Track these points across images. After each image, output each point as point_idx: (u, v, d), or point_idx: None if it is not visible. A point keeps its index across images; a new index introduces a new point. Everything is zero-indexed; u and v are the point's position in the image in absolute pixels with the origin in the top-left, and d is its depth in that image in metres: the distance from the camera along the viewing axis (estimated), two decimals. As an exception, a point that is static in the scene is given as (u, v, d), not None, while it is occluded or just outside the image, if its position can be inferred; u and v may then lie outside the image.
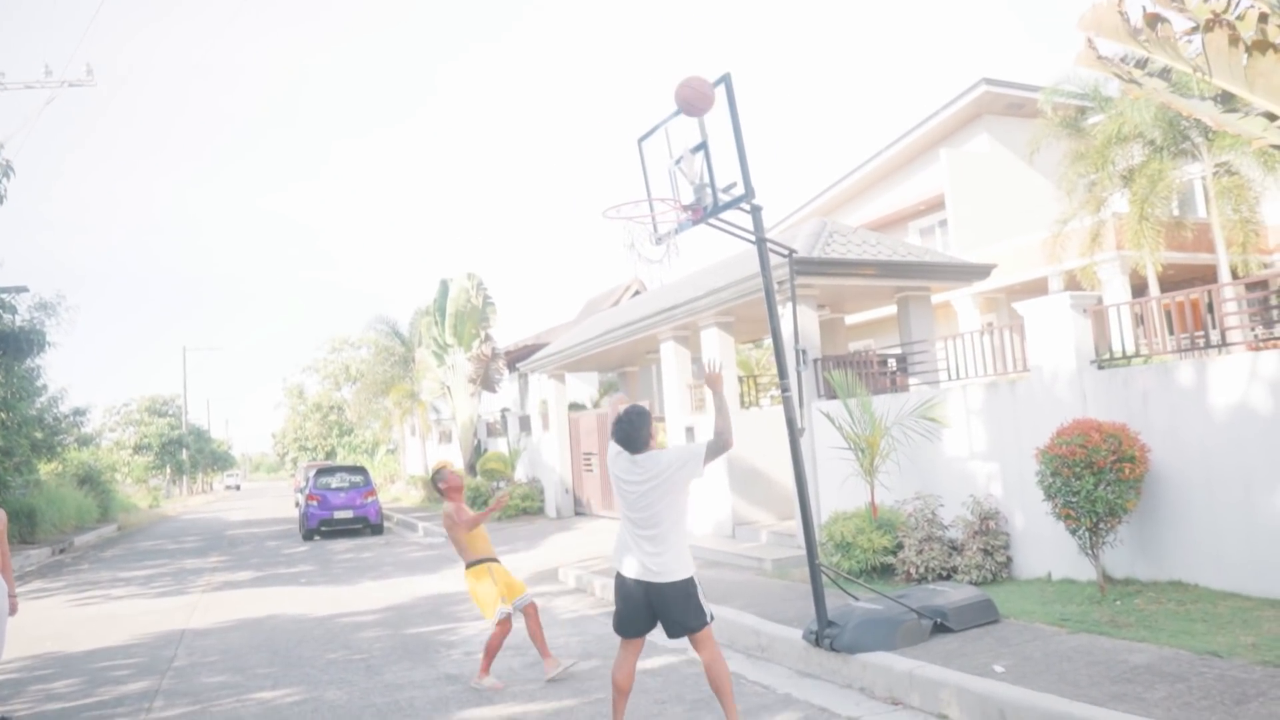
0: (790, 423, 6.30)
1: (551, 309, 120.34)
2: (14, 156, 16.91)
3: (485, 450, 27.06)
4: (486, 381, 27.13)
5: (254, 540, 21.59)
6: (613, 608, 4.99)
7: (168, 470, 62.48)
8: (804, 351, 9.42)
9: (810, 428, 10.50)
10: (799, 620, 7.05)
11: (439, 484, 7.14)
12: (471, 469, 26.12)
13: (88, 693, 7.35)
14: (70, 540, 23.33)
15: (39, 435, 23.67)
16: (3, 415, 18.78)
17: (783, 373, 6.41)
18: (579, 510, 19.58)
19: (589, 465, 18.73)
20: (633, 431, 4.91)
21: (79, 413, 29.71)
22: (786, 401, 6.34)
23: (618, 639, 4.96)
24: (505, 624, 6.70)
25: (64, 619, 11.32)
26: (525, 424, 23.75)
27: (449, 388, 27.45)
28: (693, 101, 5.88)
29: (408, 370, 32.01)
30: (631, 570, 4.77)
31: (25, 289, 20.21)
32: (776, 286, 7.63)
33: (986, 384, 9.03)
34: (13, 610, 6.34)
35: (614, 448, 4.98)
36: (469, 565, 6.92)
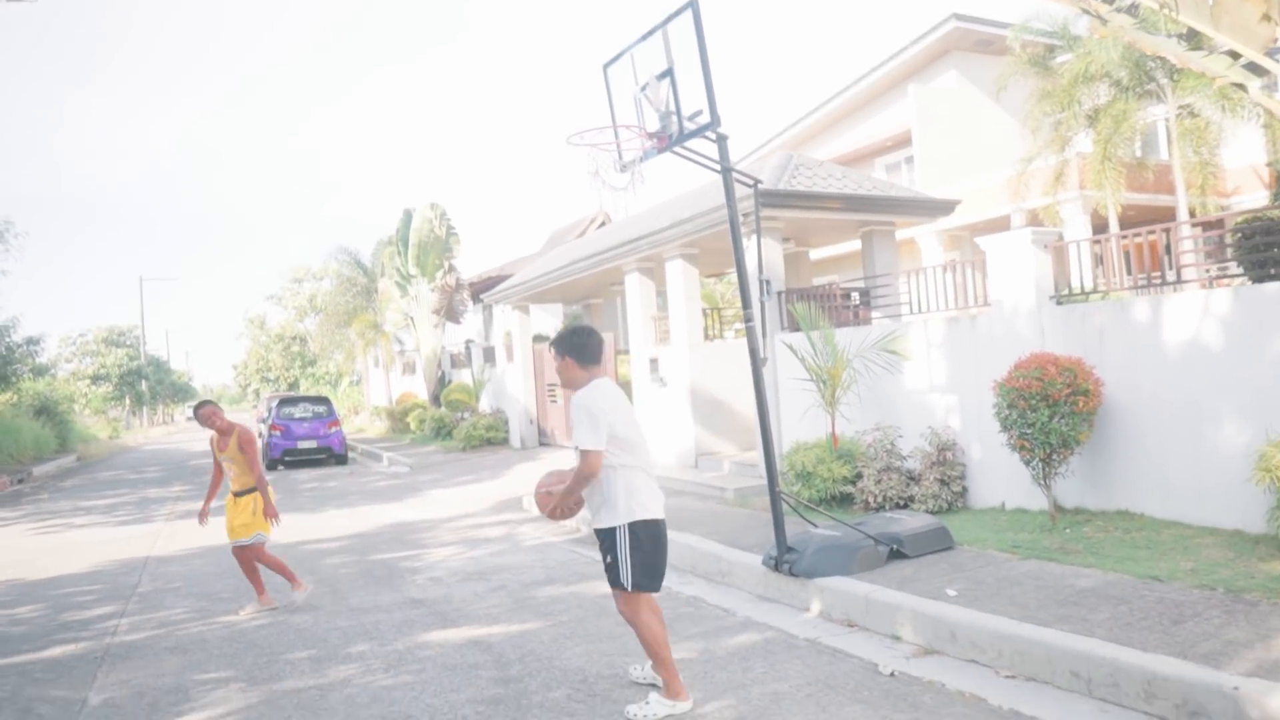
0: (753, 353, 6.36)
1: (516, 241, 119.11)
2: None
3: (449, 381, 27.01)
4: (450, 313, 26.96)
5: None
6: (573, 534, 5.06)
7: (127, 401, 61.69)
8: (768, 283, 9.46)
9: (773, 359, 10.59)
10: (759, 547, 7.20)
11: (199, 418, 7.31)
12: (436, 400, 26.10)
13: (51, 618, 7.37)
14: (29, 470, 23.10)
15: (-8, 364, 23.27)
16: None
17: (746, 303, 6.44)
18: (543, 441, 19.69)
19: (553, 396, 18.78)
20: (589, 341, 4.58)
21: (33, 342, 29.18)
22: (750, 332, 6.39)
23: (581, 565, 5.05)
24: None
25: (25, 547, 11.27)
26: (490, 355, 23.71)
27: (412, 319, 27.26)
28: None
29: (371, 301, 31.70)
30: (661, 510, 4.58)
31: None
32: (741, 218, 7.63)
33: (948, 319, 9.14)
34: None
35: (610, 394, 4.46)
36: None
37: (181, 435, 49.08)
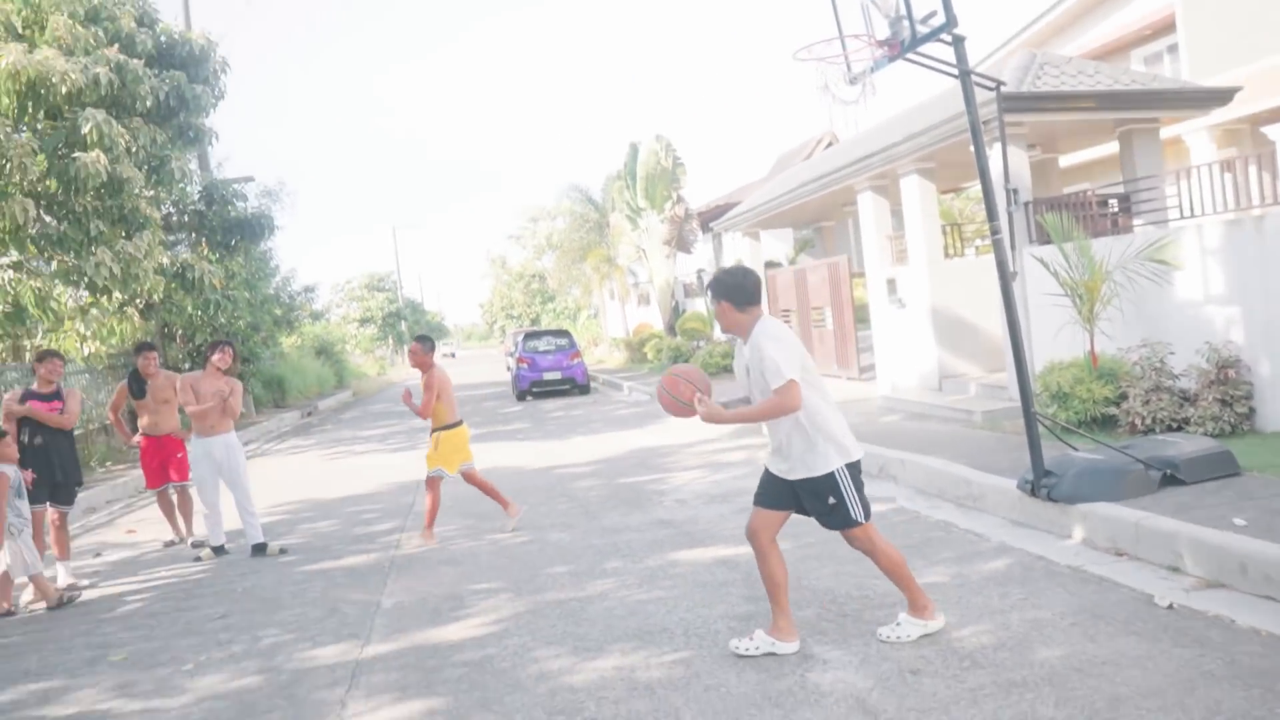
0: (1001, 266, 6.00)
1: (742, 167, 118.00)
2: (229, 51, 17.95)
3: (684, 311, 27.46)
4: (680, 243, 27.26)
5: (472, 401, 23.14)
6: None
7: (389, 341, 67.42)
8: (1015, 192, 8.86)
9: (1022, 274, 9.94)
10: (1012, 471, 6.89)
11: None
12: (671, 329, 26.64)
13: (345, 532, 8.30)
14: (315, 405, 25.84)
15: (278, 312, 26.02)
16: (247, 294, 20.68)
17: (992, 214, 6.07)
18: (777, 368, 19.66)
19: (788, 322, 18.66)
20: (745, 281, 4.32)
21: (309, 290, 32.41)
22: (997, 244, 6.03)
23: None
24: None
25: (318, 471, 12.68)
26: (720, 284, 23.80)
27: (644, 251, 27.81)
28: None
29: (603, 236, 32.60)
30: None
31: (252, 179, 21.91)
32: (983, 125, 7.15)
33: (1227, 221, 8.20)
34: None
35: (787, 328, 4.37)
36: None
37: (439, 370, 52.97)
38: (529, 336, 23.28)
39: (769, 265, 20.65)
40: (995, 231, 6.06)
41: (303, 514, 9.44)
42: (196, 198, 18.10)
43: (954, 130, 10.55)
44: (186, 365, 18.56)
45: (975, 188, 21.68)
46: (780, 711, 3.69)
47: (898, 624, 4.35)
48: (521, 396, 22.17)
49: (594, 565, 6.29)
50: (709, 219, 27.15)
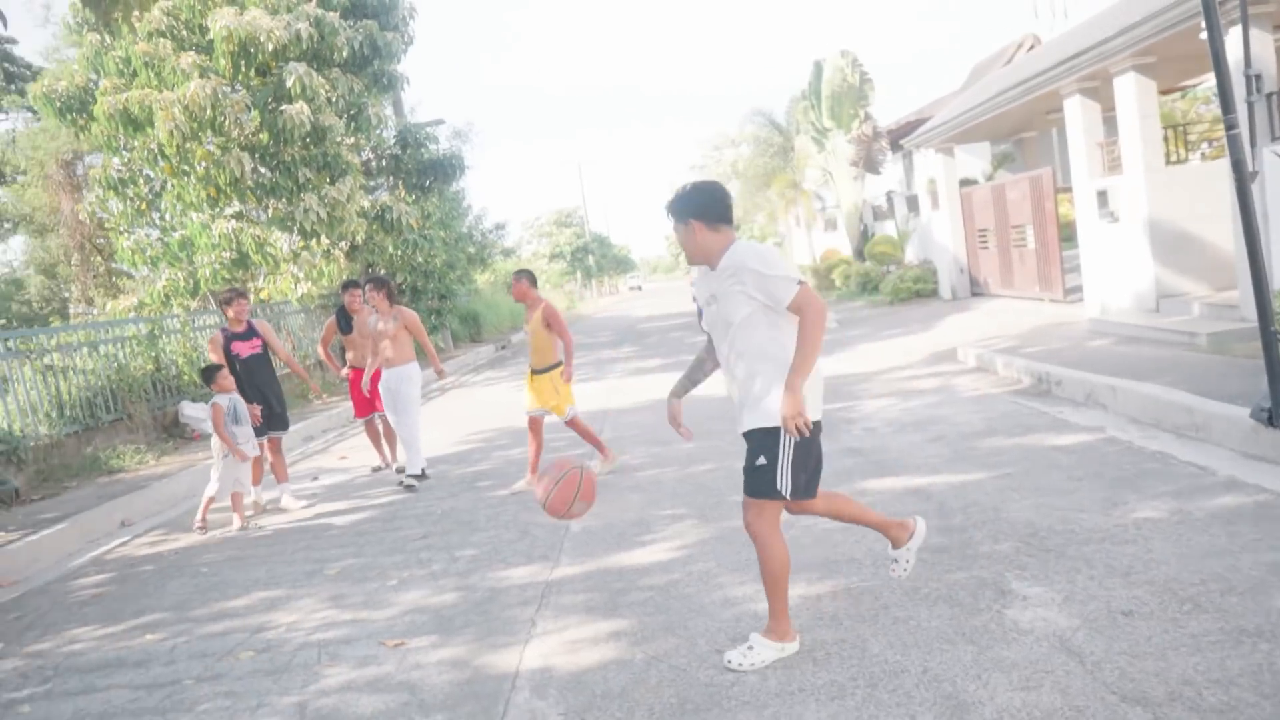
0: (1238, 165, 5.32)
1: (934, 81, 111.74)
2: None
3: (872, 235, 26.49)
4: (869, 163, 26.17)
5: (659, 333, 23.35)
6: (1015, 385, 4.63)
7: (578, 275, 69.13)
8: (1257, 78, 7.82)
9: (1261, 176, 8.85)
10: (1242, 398, 6.21)
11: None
12: (859, 254, 25.80)
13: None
14: (508, 339, 26.87)
15: (471, 250, 27.14)
16: (442, 233, 21.63)
17: (1227, 106, 5.37)
18: (975, 290, 18.66)
19: (984, 243, 17.61)
20: (715, 192, 3.68)
21: (500, 227, 33.56)
22: (1232, 141, 5.34)
23: (1025, 416, 4.62)
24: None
25: (512, 401, 13.16)
26: (913, 204, 22.75)
27: (830, 174, 26.93)
28: None
29: (788, 160, 31.78)
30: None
31: (442, 121, 22.73)
32: (1218, 5, 6.30)
33: None
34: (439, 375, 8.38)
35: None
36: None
37: (625, 304, 53.99)
38: (713, 266, 23.15)
39: (963, 183, 19.49)
40: (1231, 126, 5.37)
41: (497, 442, 9.84)
42: (392, 142, 18.95)
43: (1180, 16, 9.44)
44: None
45: (1200, 87, 19.50)
46: (974, 648, 3.50)
47: (749, 647, 3.63)
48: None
49: (778, 494, 6.19)
50: (898, 137, 25.85)
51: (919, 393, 9.40)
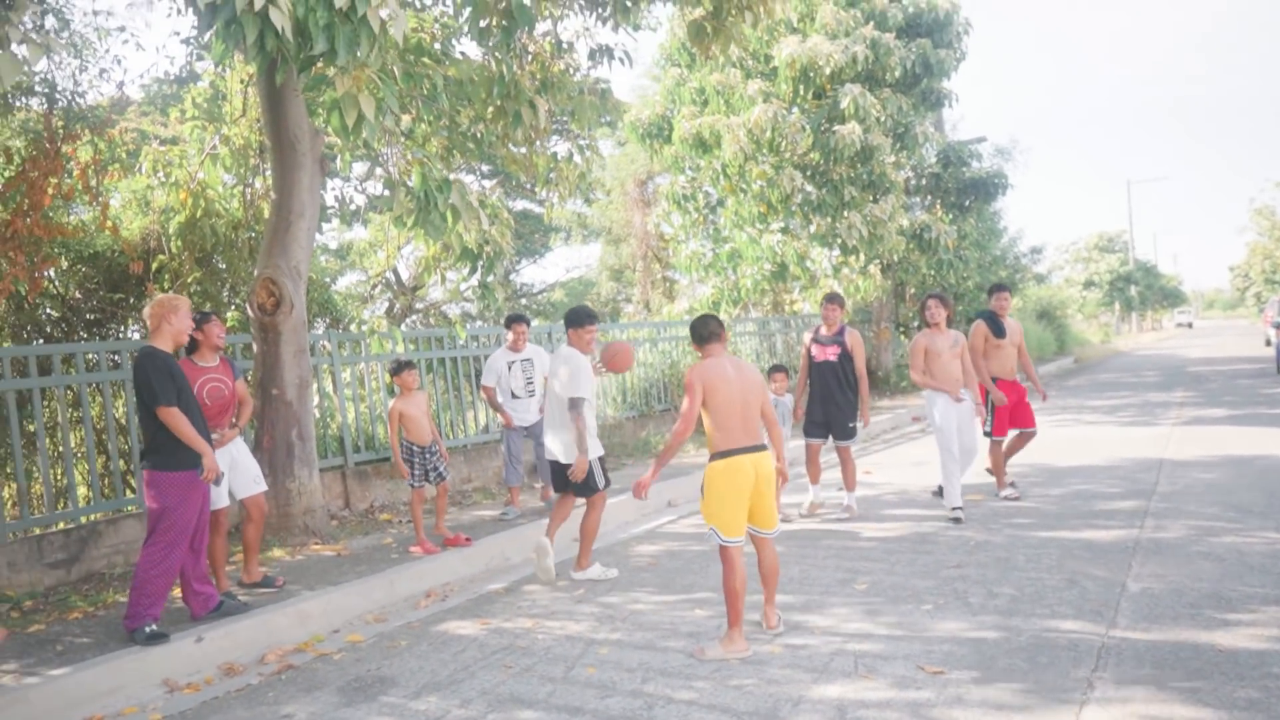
0: None
1: None
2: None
3: None
4: None
5: (1220, 378, 20.19)
6: None
7: (1116, 307, 62.52)
8: None
9: None
10: None
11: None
12: None
13: (1080, 505, 7.82)
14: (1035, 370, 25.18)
15: (1004, 273, 25.85)
16: (977, 255, 20.89)
17: None
18: None
19: None
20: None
21: (1035, 251, 31.61)
22: None
23: None
24: None
25: (1045, 437, 12.24)
26: None
27: None
28: None
29: None
30: None
31: (984, 139, 21.92)
32: None
33: None
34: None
35: None
36: None
37: (1172, 341, 47.68)
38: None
39: None
40: None
41: (1031, 479, 9.18)
42: (934, 160, 18.78)
43: None
44: (915, 323, 19.49)
45: None
46: None
47: None
48: (1283, 373, 18.68)
49: None
50: None
51: None
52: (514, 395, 8.40)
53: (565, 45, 8.32)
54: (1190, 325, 79.47)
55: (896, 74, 15.45)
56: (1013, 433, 8.50)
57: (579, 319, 6.53)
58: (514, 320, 8.48)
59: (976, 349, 8.31)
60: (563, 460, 6.44)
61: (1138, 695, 3.87)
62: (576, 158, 8.99)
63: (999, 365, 8.34)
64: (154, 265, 9.03)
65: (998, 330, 8.35)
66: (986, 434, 8.30)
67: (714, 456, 4.81)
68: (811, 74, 14.66)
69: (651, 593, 5.99)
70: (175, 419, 5.14)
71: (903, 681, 4.19)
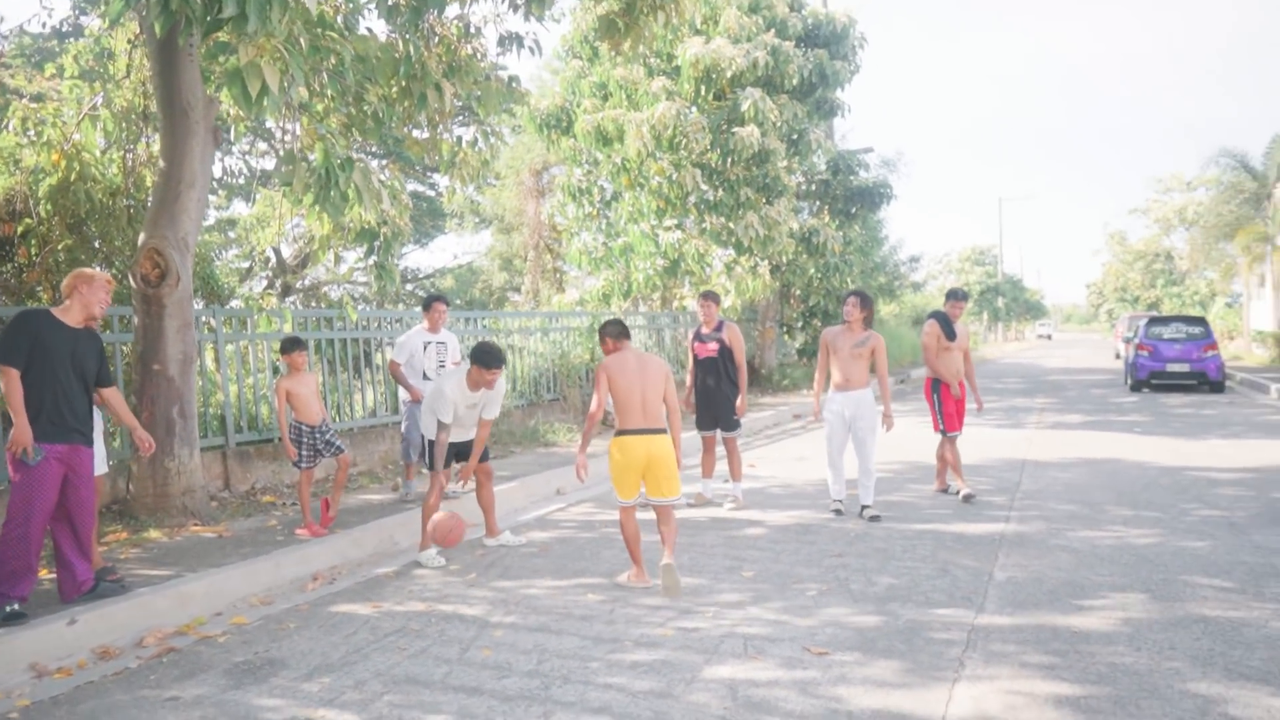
0: None
1: None
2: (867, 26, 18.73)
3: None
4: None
5: (1077, 386, 21.53)
6: None
7: (984, 317, 65.65)
8: None
9: None
10: None
11: None
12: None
13: (951, 499, 8.27)
14: (907, 373, 26.21)
15: (882, 279, 26.88)
16: (860, 259, 21.68)
17: None
18: None
19: None
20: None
21: (913, 260, 32.92)
22: None
23: None
24: None
25: (917, 436, 12.85)
26: None
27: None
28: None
29: (1259, 210, 27.76)
30: None
31: (872, 149, 22.74)
32: None
33: None
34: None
35: None
36: None
37: (1033, 351, 50.42)
38: (1154, 322, 20.82)
39: None
40: None
41: (906, 475, 9.66)
42: (824, 167, 19.35)
43: None
44: (799, 324, 20.08)
45: None
46: None
47: None
48: (1137, 387, 20.02)
49: (1247, 584, 5.44)
50: None
51: None
52: (425, 376, 8.25)
53: (474, 30, 8.27)
54: (1050, 337, 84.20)
55: (794, 81, 15.88)
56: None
57: (490, 361, 6.26)
58: (435, 300, 8.34)
59: (930, 347, 8.55)
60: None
61: (1004, 673, 4.17)
62: (481, 144, 8.95)
63: (945, 368, 8.56)
64: (19, 228, 8.55)
65: (949, 332, 8.57)
66: (942, 431, 8.56)
67: (615, 434, 5.82)
68: (714, 75, 14.93)
69: (544, 577, 6.05)
70: (7, 379, 4.93)
71: (790, 662, 4.38)
